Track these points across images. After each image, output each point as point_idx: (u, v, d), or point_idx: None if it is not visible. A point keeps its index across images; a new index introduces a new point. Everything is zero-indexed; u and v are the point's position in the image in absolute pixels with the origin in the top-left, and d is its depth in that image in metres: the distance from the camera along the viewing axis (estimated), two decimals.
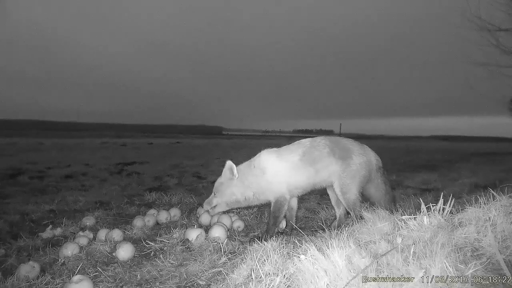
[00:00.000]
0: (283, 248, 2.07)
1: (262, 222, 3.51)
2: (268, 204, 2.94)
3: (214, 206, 3.01)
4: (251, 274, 1.80)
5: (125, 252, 2.55)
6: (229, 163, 2.92)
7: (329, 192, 3.23)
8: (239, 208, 4.17)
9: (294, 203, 3.14)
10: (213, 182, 3.04)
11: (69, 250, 2.64)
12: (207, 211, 3.17)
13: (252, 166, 2.94)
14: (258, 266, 1.79)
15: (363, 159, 2.88)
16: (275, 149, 3.00)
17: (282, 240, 2.37)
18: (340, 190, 2.84)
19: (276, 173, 2.84)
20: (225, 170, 2.93)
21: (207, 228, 3.07)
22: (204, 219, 3.48)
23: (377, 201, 2.97)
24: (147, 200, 4.86)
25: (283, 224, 3.17)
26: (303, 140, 2.98)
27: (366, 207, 2.99)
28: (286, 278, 1.63)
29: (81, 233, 3.07)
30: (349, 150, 2.89)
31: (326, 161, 2.83)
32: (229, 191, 2.93)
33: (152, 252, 2.69)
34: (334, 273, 1.50)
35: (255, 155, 3.01)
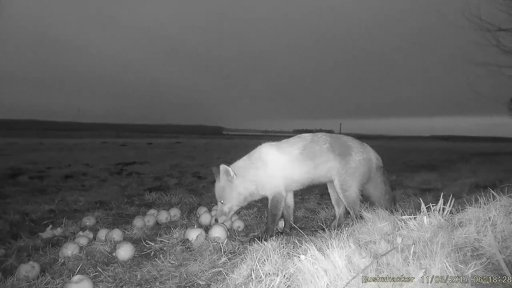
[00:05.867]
0: (283, 248, 2.07)
1: (262, 222, 3.51)
2: (267, 203, 2.94)
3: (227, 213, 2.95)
4: (251, 274, 1.80)
5: (125, 252, 2.55)
6: (223, 167, 2.83)
7: (329, 191, 3.25)
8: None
9: (291, 201, 3.15)
10: (213, 182, 3.03)
11: (69, 250, 2.64)
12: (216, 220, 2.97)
13: (252, 159, 2.91)
14: (258, 266, 1.79)
15: (362, 156, 2.89)
16: (275, 142, 3.00)
17: (282, 240, 2.37)
18: (341, 188, 2.86)
19: (276, 166, 2.84)
20: (222, 175, 2.85)
21: (207, 228, 3.07)
22: (204, 219, 3.48)
23: (376, 200, 2.98)
24: (147, 200, 4.86)
25: (281, 224, 3.18)
26: (304, 134, 3.00)
27: (366, 207, 2.99)
28: (286, 278, 1.63)
29: (81, 233, 3.07)
30: (348, 147, 2.90)
31: (325, 157, 2.85)
32: (235, 193, 2.87)
33: (152, 252, 2.69)
34: (334, 273, 1.50)
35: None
